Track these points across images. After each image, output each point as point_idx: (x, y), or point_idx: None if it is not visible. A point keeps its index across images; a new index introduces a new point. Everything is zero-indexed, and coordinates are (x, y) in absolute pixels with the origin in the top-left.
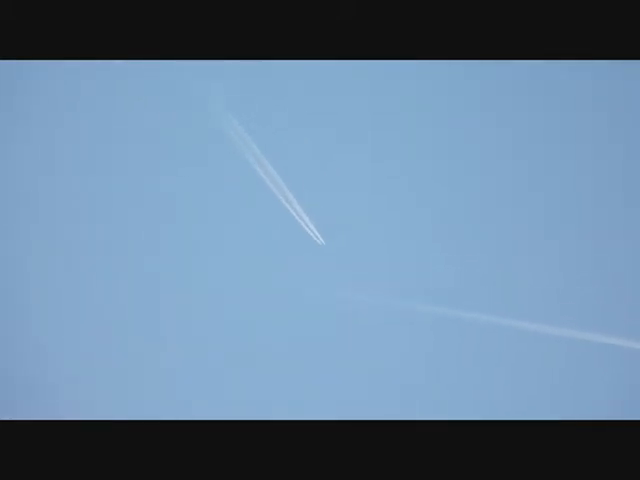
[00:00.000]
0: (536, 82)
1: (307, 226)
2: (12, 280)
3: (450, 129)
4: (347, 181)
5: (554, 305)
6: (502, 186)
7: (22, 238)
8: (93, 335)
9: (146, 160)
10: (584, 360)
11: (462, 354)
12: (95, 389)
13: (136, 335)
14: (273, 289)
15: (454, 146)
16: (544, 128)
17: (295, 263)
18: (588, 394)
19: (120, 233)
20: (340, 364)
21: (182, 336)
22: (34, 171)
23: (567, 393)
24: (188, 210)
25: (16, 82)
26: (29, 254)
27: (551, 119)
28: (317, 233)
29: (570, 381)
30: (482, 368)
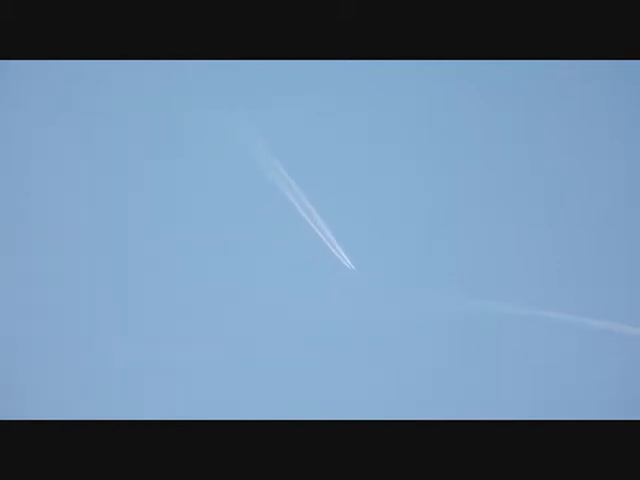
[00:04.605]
0: (536, 82)
1: (336, 251)
2: (10, 279)
3: (451, 129)
4: (351, 183)
5: (559, 298)
6: (505, 185)
7: (21, 237)
8: (93, 334)
9: (153, 168)
10: (584, 360)
11: (462, 354)
12: (95, 389)
13: (136, 335)
14: (299, 313)
15: (455, 146)
16: (544, 127)
17: (325, 289)
18: (589, 394)
19: (125, 234)
20: (342, 365)
21: (183, 339)
22: (34, 171)
23: (568, 393)
24: (203, 225)
25: (16, 82)
26: (27, 253)
27: (551, 119)
28: (346, 257)
29: (571, 381)
30: (482, 368)
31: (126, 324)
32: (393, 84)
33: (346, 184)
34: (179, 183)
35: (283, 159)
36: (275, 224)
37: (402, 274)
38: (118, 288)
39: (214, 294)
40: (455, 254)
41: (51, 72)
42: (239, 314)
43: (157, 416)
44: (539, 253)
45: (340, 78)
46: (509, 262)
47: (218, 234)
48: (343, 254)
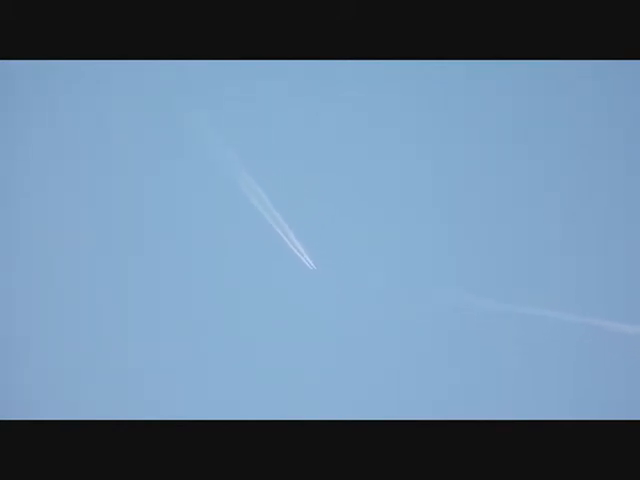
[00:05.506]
0: (536, 82)
1: (297, 250)
2: (10, 279)
3: (451, 129)
4: (340, 191)
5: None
6: (504, 187)
7: (21, 237)
8: (93, 334)
9: (140, 168)
10: (585, 361)
11: (462, 354)
12: (95, 389)
13: (136, 335)
14: (299, 314)
15: (455, 146)
16: (544, 127)
17: (326, 289)
18: (589, 394)
19: (126, 234)
20: (338, 367)
21: (183, 339)
22: (33, 171)
23: (568, 393)
24: (204, 226)
25: (16, 82)
26: (27, 253)
27: (551, 119)
28: (307, 257)
29: (571, 381)
30: (482, 368)
31: (126, 324)
32: (393, 84)
33: (346, 184)
34: (179, 183)
35: (282, 160)
36: (277, 224)
37: (401, 273)
38: (118, 288)
39: (214, 294)
40: (455, 254)
41: (51, 72)
42: (239, 314)
43: (157, 416)
44: (539, 251)
45: (340, 78)
46: (508, 260)
47: (218, 235)
48: (307, 257)
